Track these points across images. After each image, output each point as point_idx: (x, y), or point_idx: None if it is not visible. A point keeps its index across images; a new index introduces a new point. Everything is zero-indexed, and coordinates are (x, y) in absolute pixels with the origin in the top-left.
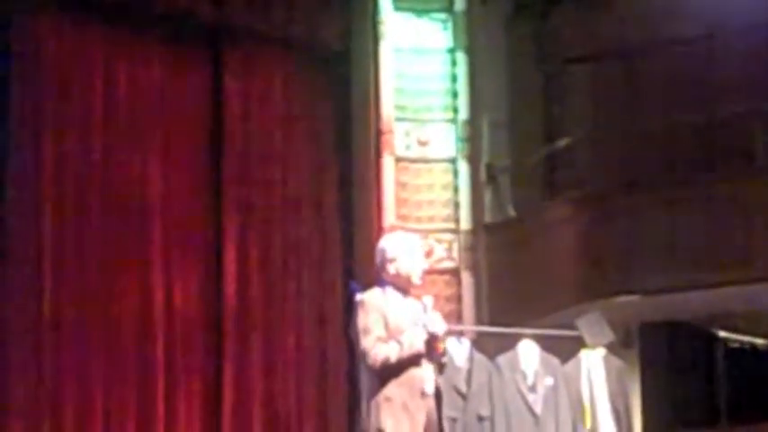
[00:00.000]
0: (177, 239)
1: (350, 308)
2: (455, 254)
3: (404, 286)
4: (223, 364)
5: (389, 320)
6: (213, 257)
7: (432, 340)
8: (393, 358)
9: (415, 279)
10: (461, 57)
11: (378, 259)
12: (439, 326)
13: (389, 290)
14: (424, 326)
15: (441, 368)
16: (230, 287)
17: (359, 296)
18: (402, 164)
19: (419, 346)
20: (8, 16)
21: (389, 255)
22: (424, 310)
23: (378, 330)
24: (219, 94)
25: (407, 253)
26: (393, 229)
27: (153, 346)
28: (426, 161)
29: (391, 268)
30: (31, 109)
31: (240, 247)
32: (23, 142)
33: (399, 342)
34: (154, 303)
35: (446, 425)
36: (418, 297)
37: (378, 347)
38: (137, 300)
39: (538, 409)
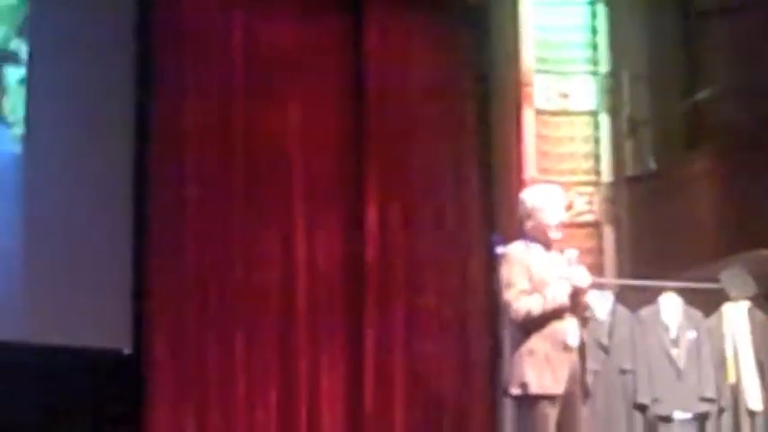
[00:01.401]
0: (319, 198)
1: (492, 262)
2: (596, 207)
3: (543, 239)
4: (364, 321)
5: (533, 273)
6: (355, 215)
7: (575, 294)
8: (536, 311)
9: (553, 232)
10: (602, 9)
11: (519, 212)
12: (583, 279)
13: (533, 243)
14: (568, 279)
15: (584, 322)
16: (372, 244)
17: (502, 249)
18: (543, 117)
19: (563, 299)
20: None
21: (529, 207)
22: (568, 263)
23: (521, 283)
24: (360, 51)
25: (547, 206)
26: (534, 182)
27: (294, 304)
28: (567, 114)
29: (531, 221)
30: (173, 70)
31: (381, 203)
32: (166, 104)
33: (543, 295)
34: (296, 261)
35: (588, 378)
36: (562, 250)
37: (520, 300)
38: (279, 259)
39: (681, 362)
